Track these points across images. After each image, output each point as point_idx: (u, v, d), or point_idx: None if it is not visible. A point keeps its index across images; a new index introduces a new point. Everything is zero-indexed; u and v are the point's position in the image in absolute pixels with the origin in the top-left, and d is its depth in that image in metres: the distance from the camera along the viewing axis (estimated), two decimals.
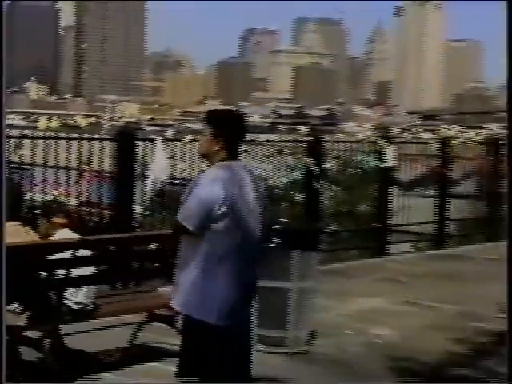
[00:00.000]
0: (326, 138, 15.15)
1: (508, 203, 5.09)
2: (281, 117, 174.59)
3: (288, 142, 14.09)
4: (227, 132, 5.56)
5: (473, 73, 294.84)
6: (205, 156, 5.60)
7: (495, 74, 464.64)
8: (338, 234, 14.94)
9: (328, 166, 14.47)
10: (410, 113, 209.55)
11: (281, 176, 14.33)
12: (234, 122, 5.72)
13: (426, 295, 11.16)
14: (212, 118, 5.68)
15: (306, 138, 14.01)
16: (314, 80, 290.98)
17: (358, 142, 15.74)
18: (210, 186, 5.30)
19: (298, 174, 14.11)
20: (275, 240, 8.19)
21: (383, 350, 8.28)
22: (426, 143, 17.23)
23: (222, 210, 5.30)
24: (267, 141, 13.94)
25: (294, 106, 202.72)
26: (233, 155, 5.52)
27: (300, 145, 13.83)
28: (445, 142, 17.16)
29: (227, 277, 5.63)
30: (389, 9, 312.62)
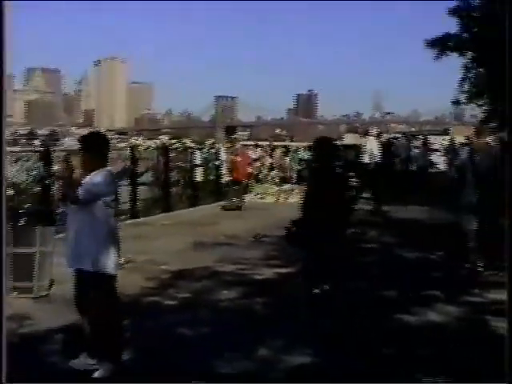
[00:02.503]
0: (53, 148, 14.53)
1: (508, 202, 4.51)
2: (20, 135, 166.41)
3: (26, 151, 13.34)
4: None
5: (145, 103, 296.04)
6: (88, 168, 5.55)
7: (163, 104, 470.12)
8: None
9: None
10: (108, 130, 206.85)
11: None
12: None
13: (129, 250, 10.96)
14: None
15: (39, 148, 13.34)
16: (41, 109, 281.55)
17: (74, 150, 15.09)
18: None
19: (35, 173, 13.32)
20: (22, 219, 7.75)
21: None
22: (122, 150, 16.95)
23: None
24: (12, 152, 13.13)
25: (28, 127, 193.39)
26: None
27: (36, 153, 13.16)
28: (133, 148, 17.02)
29: (116, 240, 5.59)
30: (91, 61, 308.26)
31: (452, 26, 23.56)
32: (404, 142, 21.01)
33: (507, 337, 4.36)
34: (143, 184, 17.40)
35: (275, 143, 25.02)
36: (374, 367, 5.63)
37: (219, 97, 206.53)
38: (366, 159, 17.52)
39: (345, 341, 6.25)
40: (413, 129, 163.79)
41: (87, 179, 5.45)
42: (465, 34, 21.98)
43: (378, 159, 17.71)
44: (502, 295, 8.05)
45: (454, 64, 24.02)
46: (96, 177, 5.46)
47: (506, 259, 4.57)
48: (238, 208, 17.58)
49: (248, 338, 6.40)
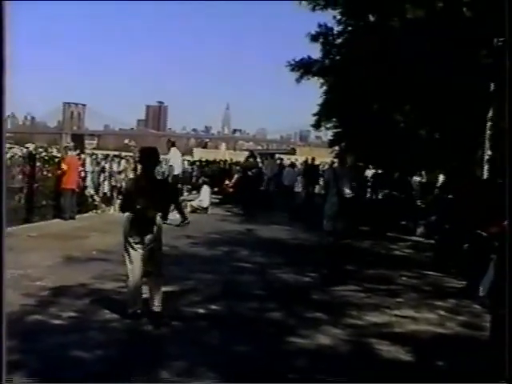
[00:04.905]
0: None
1: (508, 200, 4.32)
2: None
3: None
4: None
5: None
6: None
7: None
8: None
9: None
10: None
11: None
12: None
13: None
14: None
15: None
16: None
17: None
18: None
19: None
20: None
21: None
22: None
23: None
24: None
25: None
26: None
27: None
28: None
29: None
30: None
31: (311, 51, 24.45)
32: (271, 161, 21.41)
33: (507, 337, 4.37)
34: None
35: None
36: None
37: (67, 103, 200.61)
38: (163, 170, 16.95)
39: None
40: (259, 147, 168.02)
41: None
42: (326, 60, 22.89)
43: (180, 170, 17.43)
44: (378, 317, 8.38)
45: (303, 87, 24.91)
46: None
47: (506, 256, 4.62)
48: (71, 218, 16.82)
49: (142, 362, 6.21)
